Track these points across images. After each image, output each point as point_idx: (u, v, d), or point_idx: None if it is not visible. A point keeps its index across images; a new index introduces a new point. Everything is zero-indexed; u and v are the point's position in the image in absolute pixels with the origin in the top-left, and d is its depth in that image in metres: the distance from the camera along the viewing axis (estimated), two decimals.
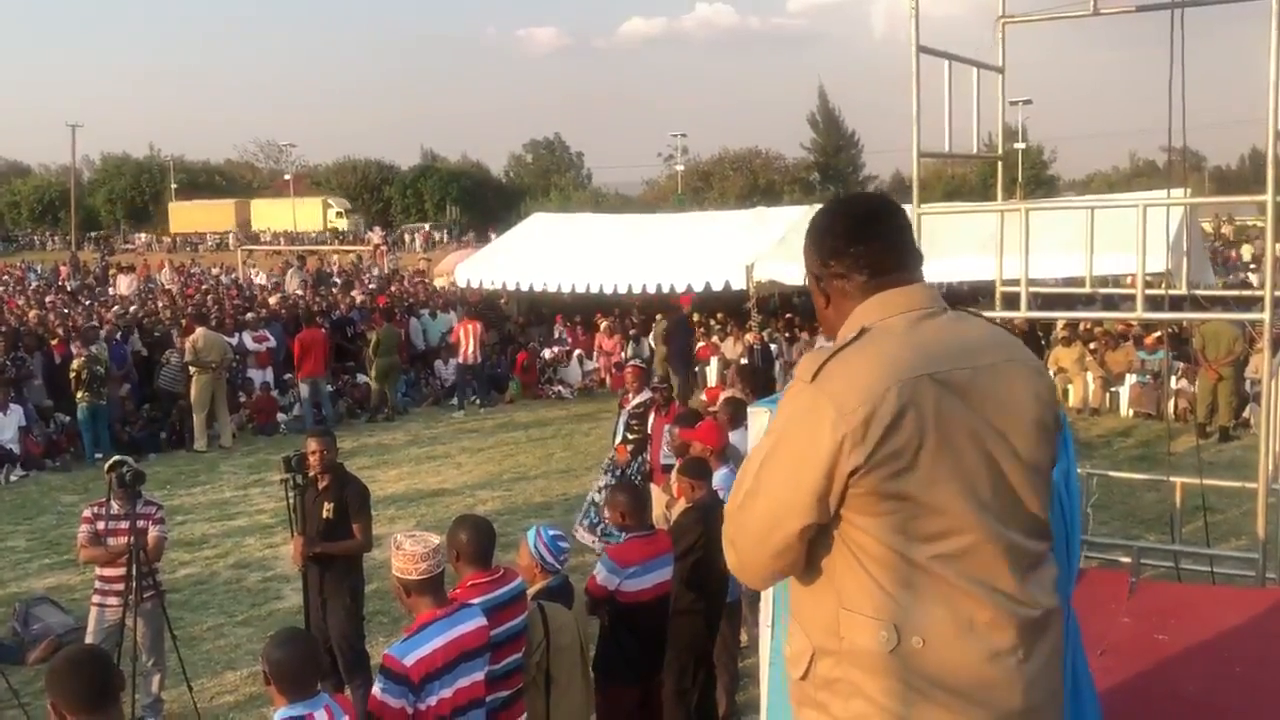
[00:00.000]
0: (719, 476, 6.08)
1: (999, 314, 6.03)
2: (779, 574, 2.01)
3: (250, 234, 65.08)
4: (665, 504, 6.44)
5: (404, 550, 3.82)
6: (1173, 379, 14.14)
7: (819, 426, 1.86)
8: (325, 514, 6.10)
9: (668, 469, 7.74)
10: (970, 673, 1.88)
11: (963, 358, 1.93)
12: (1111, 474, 7.70)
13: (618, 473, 9.00)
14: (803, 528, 1.90)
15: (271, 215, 69.09)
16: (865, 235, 2.07)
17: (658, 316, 17.20)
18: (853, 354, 1.91)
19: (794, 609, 2.07)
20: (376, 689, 3.65)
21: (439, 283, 24.46)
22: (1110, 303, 13.54)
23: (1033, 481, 1.98)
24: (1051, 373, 14.99)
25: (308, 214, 67.57)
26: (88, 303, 23.08)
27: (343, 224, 66.49)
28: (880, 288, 2.03)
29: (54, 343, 14.95)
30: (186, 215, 70.68)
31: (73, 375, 13.11)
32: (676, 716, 5.41)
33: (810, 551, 1.96)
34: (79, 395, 13.05)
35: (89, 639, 6.06)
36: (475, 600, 4.12)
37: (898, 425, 1.83)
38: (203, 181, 77.74)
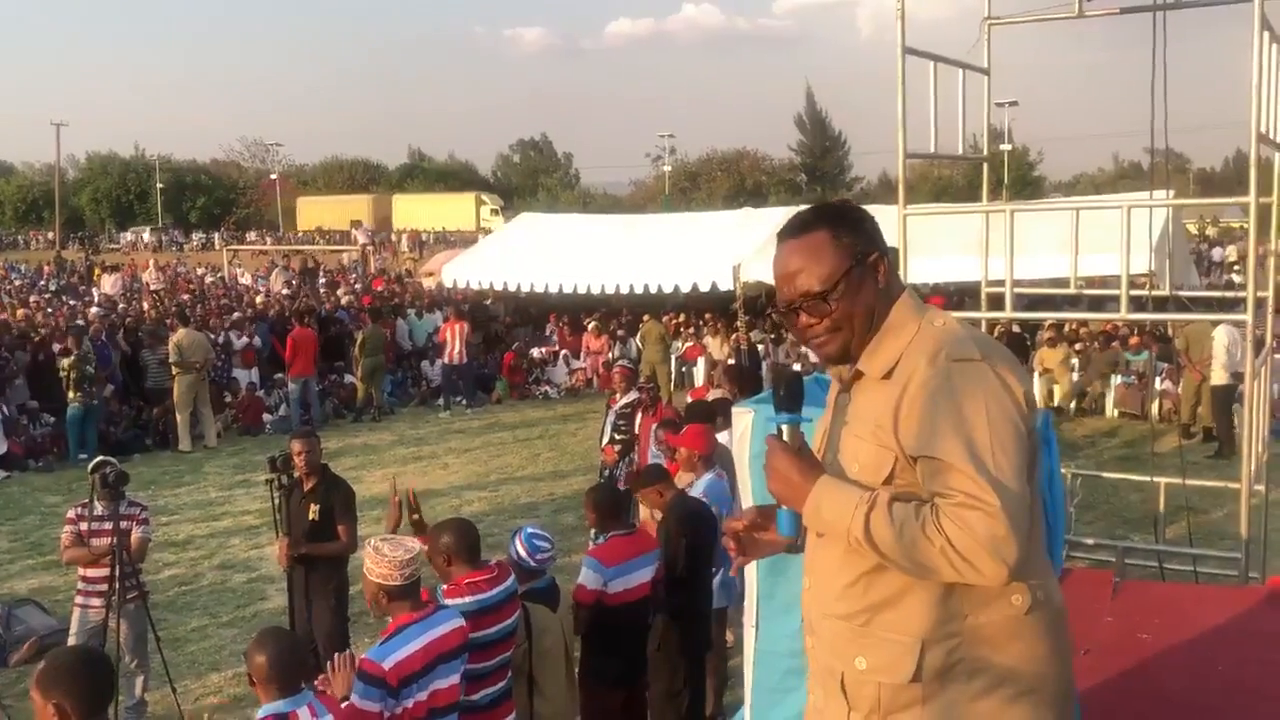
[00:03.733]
0: (704, 482, 6.04)
1: (984, 315, 6.06)
2: None
3: (387, 231, 60.56)
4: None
5: (385, 556, 3.79)
6: (1157, 380, 14.22)
7: (1013, 393, 1.96)
8: (311, 515, 6.08)
9: None
10: (1063, 611, 2.06)
11: None
12: (1096, 474, 7.76)
13: (605, 473, 8.99)
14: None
15: (415, 212, 64.24)
16: None
17: (645, 317, 17.19)
18: (981, 336, 2.08)
19: (874, 616, 2.03)
20: (354, 694, 3.64)
21: (427, 283, 24.41)
22: (1095, 303, 13.60)
23: None
24: (1037, 373, 15.09)
25: (458, 210, 62.39)
26: (72, 302, 22.95)
27: (497, 222, 59.75)
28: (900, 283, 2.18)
29: (37, 341, 14.85)
30: (316, 211, 66.72)
31: (63, 374, 13.02)
32: (667, 718, 5.41)
33: None
34: (71, 395, 12.94)
35: (72, 640, 6.02)
36: (471, 598, 4.13)
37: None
38: (188, 181, 77.26)
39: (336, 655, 3.94)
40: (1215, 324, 11.85)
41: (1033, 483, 1.98)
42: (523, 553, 4.63)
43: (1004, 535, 1.84)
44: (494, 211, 60.65)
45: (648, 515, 6.21)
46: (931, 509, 1.88)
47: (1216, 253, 31.65)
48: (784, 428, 2.14)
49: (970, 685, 1.94)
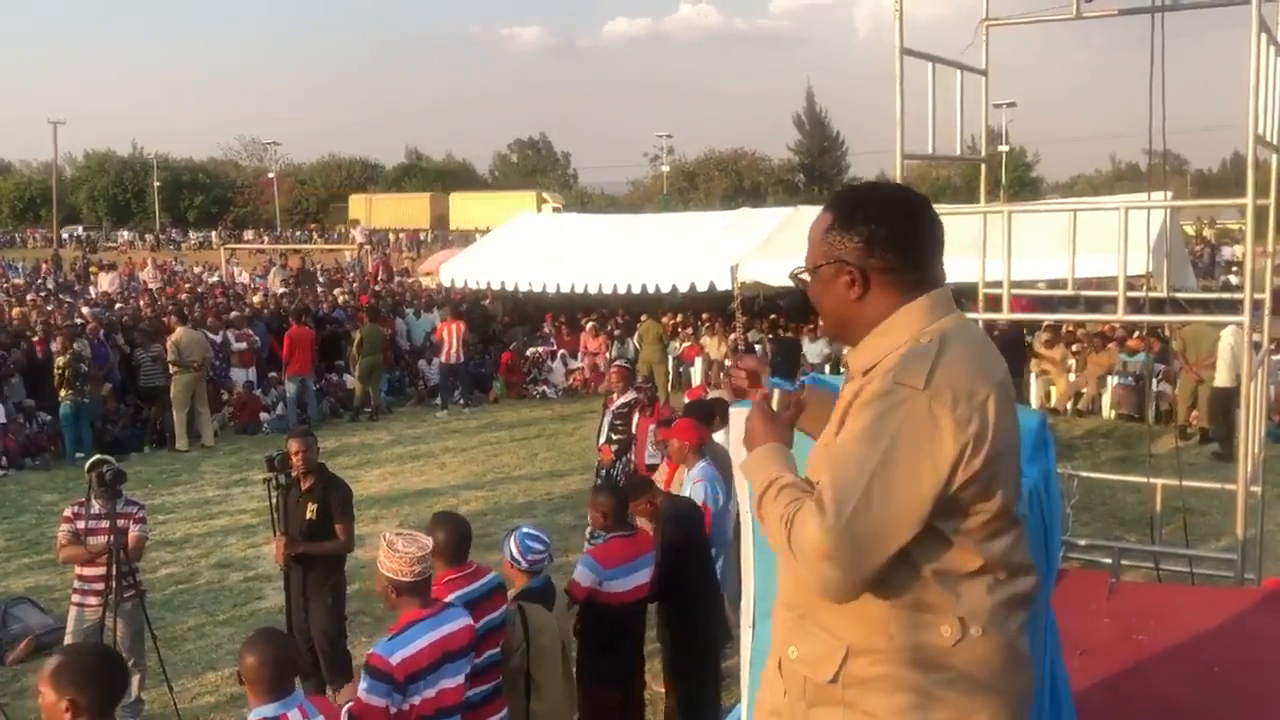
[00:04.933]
0: (697, 470, 6.17)
1: (982, 315, 6.07)
2: (871, 585, 1.93)
3: (447, 230, 58.10)
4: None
5: (398, 551, 3.79)
6: (1154, 381, 14.23)
7: (942, 436, 1.84)
8: (308, 514, 6.08)
9: (653, 469, 7.75)
10: (1012, 651, 1.97)
11: (1001, 360, 2.02)
12: (1092, 475, 7.76)
13: (602, 473, 8.98)
14: (911, 537, 1.88)
15: (474, 211, 60.04)
16: (921, 232, 2.04)
17: (642, 317, 17.18)
18: (951, 360, 1.90)
19: (809, 611, 2.03)
20: (361, 689, 3.64)
21: (425, 282, 24.42)
22: (1092, 304, 13.61)
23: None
24: (1034, 374, 15.09)
25: (519, 209, 57.00)
26: (69, 300, 22.92)
27: None
28: (923, 288, 2.02)
29: (35, 340, 14.84)
30: (367, 209, 64.54)
31: (57, 372, 12.99)
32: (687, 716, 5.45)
33: None
34: (63, 393, 12.92)
35: (68, 639, 6.01)
36: (450, 596, 4.13)
37: (999, 431, 1.88)
38: (186, 180, 77.23)
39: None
40: (1217, 326, 11.84)
41: (960, 523, 1.91)
42: (515, 553, 4.65)
43: (826, 554, 1.83)
44: (556, 210, 55.48)
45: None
46: (797, 503, 1.89)
47: (1226, 251, 31.40)
48: (776, 392, 2.16)
49: (892, 700, 1.93)
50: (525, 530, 4.76)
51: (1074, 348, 15.63)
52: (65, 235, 62.61)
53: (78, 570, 6.13)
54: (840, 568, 1.84)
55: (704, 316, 18.97)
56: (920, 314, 2.00)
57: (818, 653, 2.01)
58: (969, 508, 1.90)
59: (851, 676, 1.96)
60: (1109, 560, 5.45)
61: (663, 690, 5.71)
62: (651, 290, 17.20)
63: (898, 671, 1.92)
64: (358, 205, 66.80)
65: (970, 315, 6.00)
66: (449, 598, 4.13)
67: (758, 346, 17.03)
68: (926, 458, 1.84)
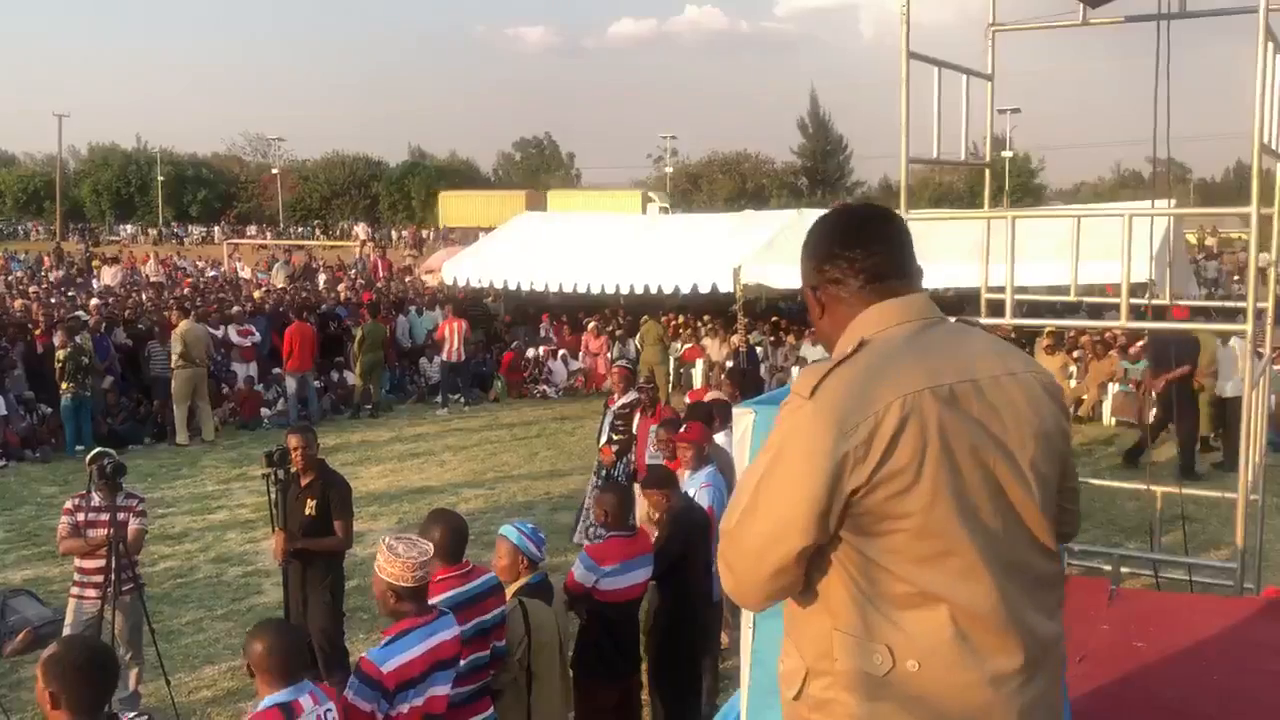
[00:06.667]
0: (703, 474, 6.18)
1: (984, 321, 6.06)
2: (777, 595, 1.94)
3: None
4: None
5: (400, 557, 3.75)
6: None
7: (820, 444, 1.79)
8: (307, 511, 6.08)
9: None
10: (967, 697, 1.83)
11: (964, 370, 1.88)
12: (1092, 482, 7.74)
13: (603, 474, 8.99)
14: (802, 548, 1.84)
15: (574, 209, 57.79)
16: (861, 239, 2.02)
17: (644, 318, 17.18)
18: (852, 368, 1.85)
19: (788, 628, 2.02)
20: (348, 690, 3.63)
21: (427, 280, 24.41)
22: (1094, 311, 13.60)
23: (1036, 497, 1.90)
24: None
25: (623, 209, 52.08)
26: (71, 294, 22.93)
27: None
28: (878, 295, 1.98)
29: (37, 333, 14.85)
30: (460, 207, 61.36)
31: (58, 365, 13.01)
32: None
33: (805, 571, 1.90)
34: (64, 386, 12.94)
35: (67, 631, 6.01)
36: (445, 595, 4.13)
37: (899, 442, 1.79)
38: (189, 175, 77.26)
39: None
40: (1226, 338, 11.84)
41: (875, 541, 1.83)
42: (532, 547, 4.67)
43: (722, 556, 1.94)
44: (663, 209, 51.39)
45: (644, 515, 6.24)
46: None
47: (1263, 258, 31.02)
48: None
49: None
50: (529, 525, 4.78)
51: (1075, 354, 15.64)
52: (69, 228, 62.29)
53: (77, 563, 6.14)
54: (732, 571, 1.93)
55: (705, 318, 18.98)
56: (858, 328, 1.98)
57: (788, 669, 1.99)
58: (877, 524, 1.82)
59: (811, 698, 1.92)
60: (1108, 567, 5.46)
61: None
62: (654, 291, 17.19)
63: (844, 697, 1.87)
64: (448, 202, 63.32)
65: (973, 320, 6.01)
66: (442, 597, 4.12)
67: (759, 349, 17.04)
68: (808, 465, 1.80)
